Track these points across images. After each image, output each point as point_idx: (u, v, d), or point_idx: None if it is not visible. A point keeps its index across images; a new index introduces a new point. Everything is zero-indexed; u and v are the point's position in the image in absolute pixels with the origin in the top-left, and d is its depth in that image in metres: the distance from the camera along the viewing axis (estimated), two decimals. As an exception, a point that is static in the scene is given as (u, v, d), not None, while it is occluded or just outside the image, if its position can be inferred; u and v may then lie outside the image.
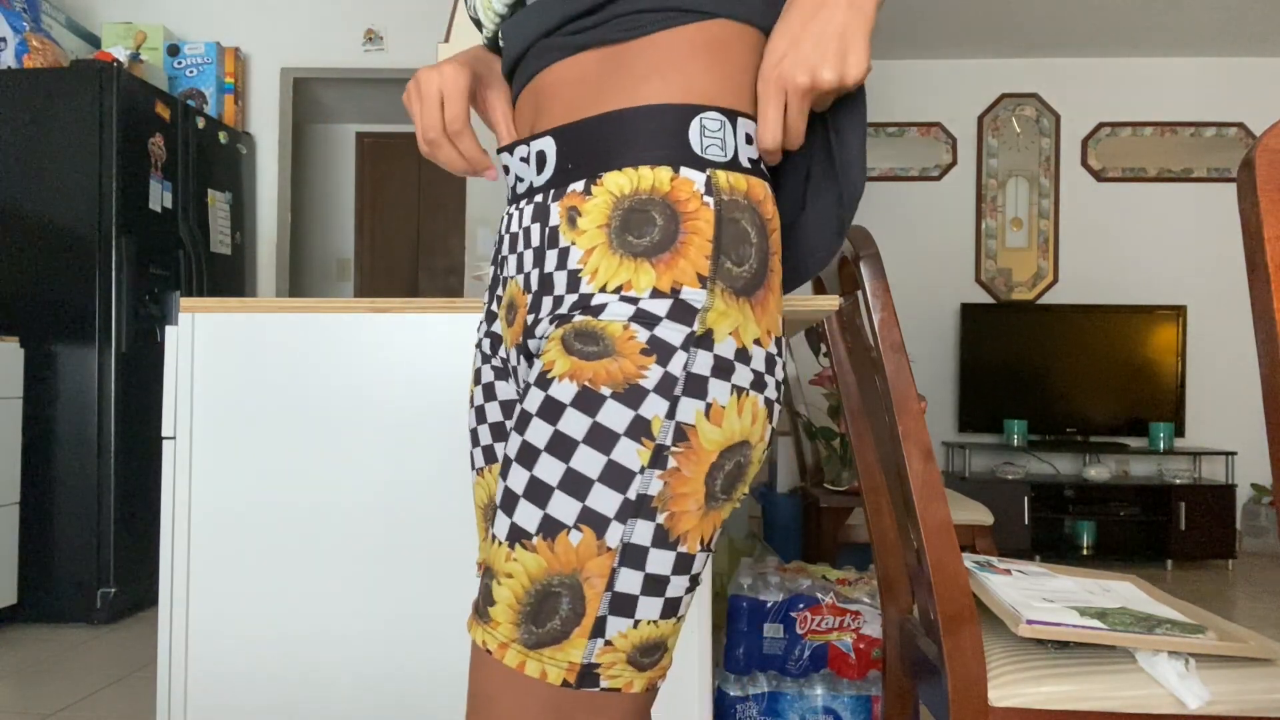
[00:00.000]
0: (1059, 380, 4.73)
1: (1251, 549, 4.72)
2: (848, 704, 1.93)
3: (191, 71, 4.15)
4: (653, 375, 0.67)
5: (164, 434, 1.62)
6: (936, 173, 5.05)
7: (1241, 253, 4.95)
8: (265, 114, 4.38)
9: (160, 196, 3.47)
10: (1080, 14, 4.45)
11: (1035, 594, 1.27)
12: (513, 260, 0.79)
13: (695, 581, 0.71)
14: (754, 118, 0.76)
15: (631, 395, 0.67)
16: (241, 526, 1.61)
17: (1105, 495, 4.58)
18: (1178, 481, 4.44)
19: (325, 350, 1.61)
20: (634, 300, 0.69)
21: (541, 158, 0.76)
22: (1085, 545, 4.46)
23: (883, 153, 5.06)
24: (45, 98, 3.21)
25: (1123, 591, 1.35)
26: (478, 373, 0.89)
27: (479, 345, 0.89)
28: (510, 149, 0.80)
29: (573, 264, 0.72)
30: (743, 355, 0.70)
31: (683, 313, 0.69)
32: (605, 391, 0.67)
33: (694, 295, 0.69)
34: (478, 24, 0.86)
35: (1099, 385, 4.71)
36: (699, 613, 1.57)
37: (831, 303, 1.45)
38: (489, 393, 0.87)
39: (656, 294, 0.69)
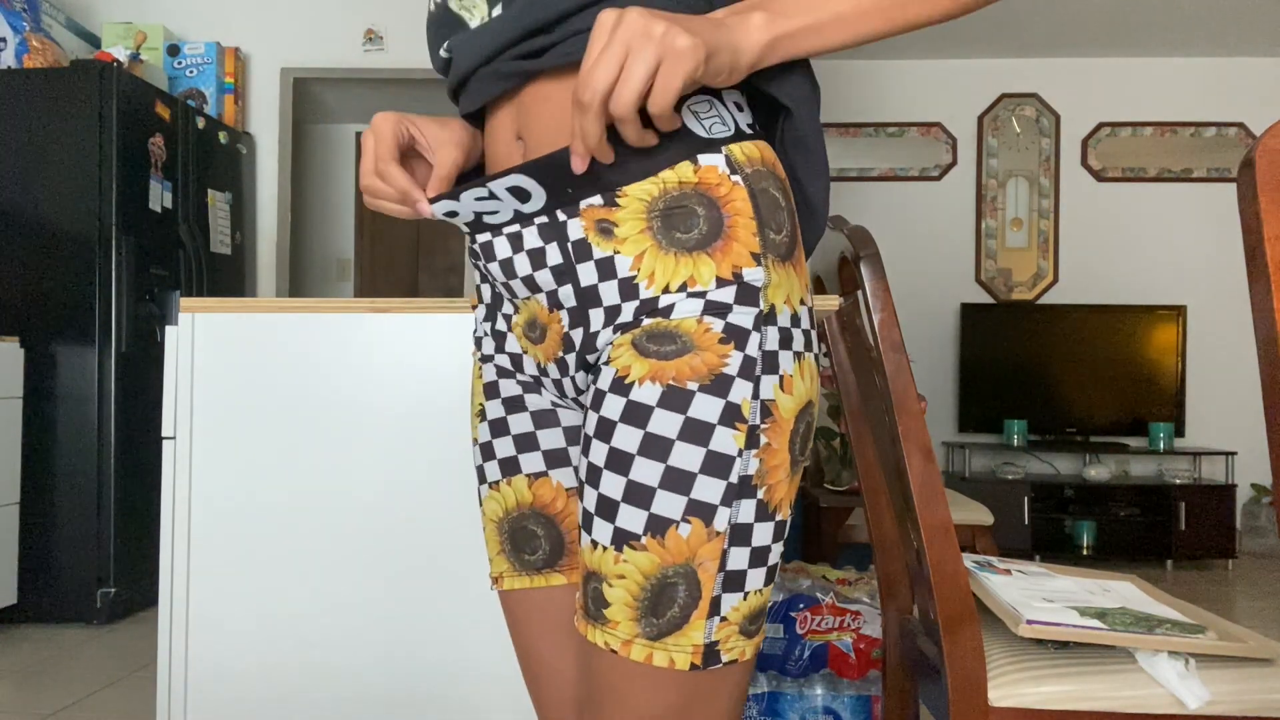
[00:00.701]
0: (1059, 380, 4.73)
1: (1251, 549, 4.72)
2: (848, 704, 1.93)
3: (191, 71, 4.15)
4: (734, 361, 0.70)
5: (164, 434, 1.62)
6: (936, 173, 5.05)
7: (1241, 253, 4.95)
8: (265, 114, 4.38)
9: (160, 196, 3.47)
10: (1080, 14, 4.45)
11: (1035, 594, 1.27)
12: (517, 285, 0.78)
13: (784, 545, 0.75)
14: (734, 86, 0.75)
15: (719, 385, 0.69)
16: (241, 526, 1.61)
17: (1105, 495, 4.58)
18: (1178, 481, 4.44)
19: (325, 350, 1.61)
20: (701, 294, 0.70)
21: (521, 192, 0.73)
22: (1085, 545, 4.46)
23: (883, 153, 5.06)
24: (45, 98, 3.21)
25: (1123, 591, 1.35)
26: (493, 385, 0.88)
27: (490, 359, 0.88)
28: (456, 195, 0.76)
29: (623, 272, 0.72)
30: (795, 320, 0.74)
31: (748, 295, 0.71)
32: (692, 386, 0.69)
33: (754, 275, 0.71)
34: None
35: (1099, 385, 4.71)
36: (699, 613, 1.57)
37: (831, 303, 1.45)
38: (514, 404, 0.87)
39: (721, 282, 0.70)
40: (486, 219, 0.77)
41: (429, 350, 1.61)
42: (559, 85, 0.74)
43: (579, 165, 0.68)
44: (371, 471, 1.61)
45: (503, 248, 0.77)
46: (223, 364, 1.62)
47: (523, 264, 0.76)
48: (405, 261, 5.93)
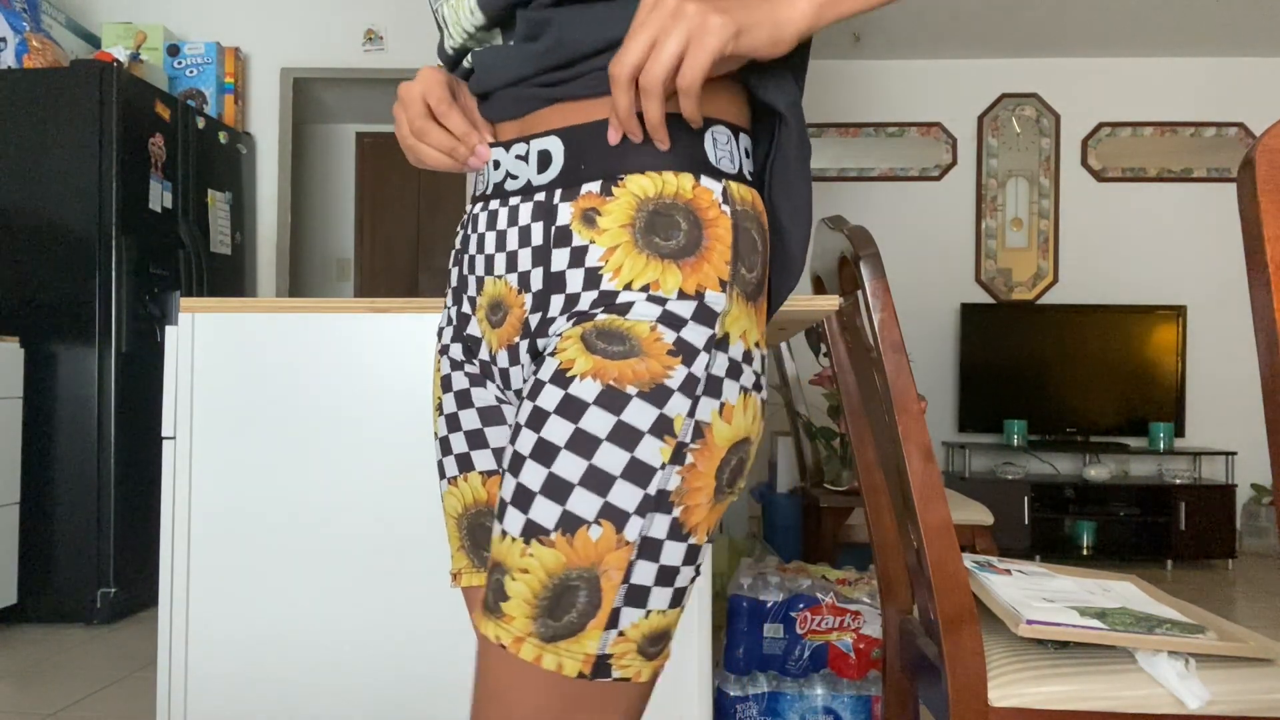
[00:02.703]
0: (1059, 380, 4.73)
1: (1251, 549, 4.72)
2: (848, 704, 1.93)
3: (191, 71, 4.15)
4: (678, 375, 0.70)
5: (164, 434, 1.62)
6: (936, 173, 5.05)
7: (1241, 253, 4.95)
8: (265, 114, 4.38)
9: (160, 196, 3.47)
10: (1080, 14, 4.45)
11: (1035, 594, 1.27)
12: (500, 259, 0.79)
13: (698, 571, 0.74)
14: (749, 132, 0.79)
15: (657, 395, 0.69)
16: (241, 526, 1.61)
17: (1105, 495, 4.58)
18: (1178, 481, 4.44)
19: (325, 350, 1.62)
20: (661, 301, 0.71)
21: (545, 156, 0.76)
22: (1085, 545, 4.46)
23: (883, 153, 5.06)
24: (45, 98, 3.21)
25: (1123, 591, 1.35)
26: (447, 379, 0.88)
27: (445, 351, 0.88)
28: (506, 145, 0.79)
29: (591, 261, 0.73)
30: (748, 357, 0.74)
31: (705, 316, 0.71)
32: (631, 391, 0.69)
33: (715, 299, 0.72)
34: (441, 28, 0.84)
35: (1099, 385, 4.71)
36: (699, 613, 1.57)
37: (831, 303, 1.45)
38: (463, 400, 0.87)
39: (683, 296, 0.71)
40: (507, 183, 0.79)
41: (429, 350, 1.61)
42: (571, 107, 0.76)
43: (614, 136, 0.72)
44: (372, 471, 1.61)
45: (503, 218, 0.79)
46: (223, 364, 1.62)
47: (513, 238, 0.77)
48: (405, 261, 5.93)
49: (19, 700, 2.40)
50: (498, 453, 0.86)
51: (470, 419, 0.87)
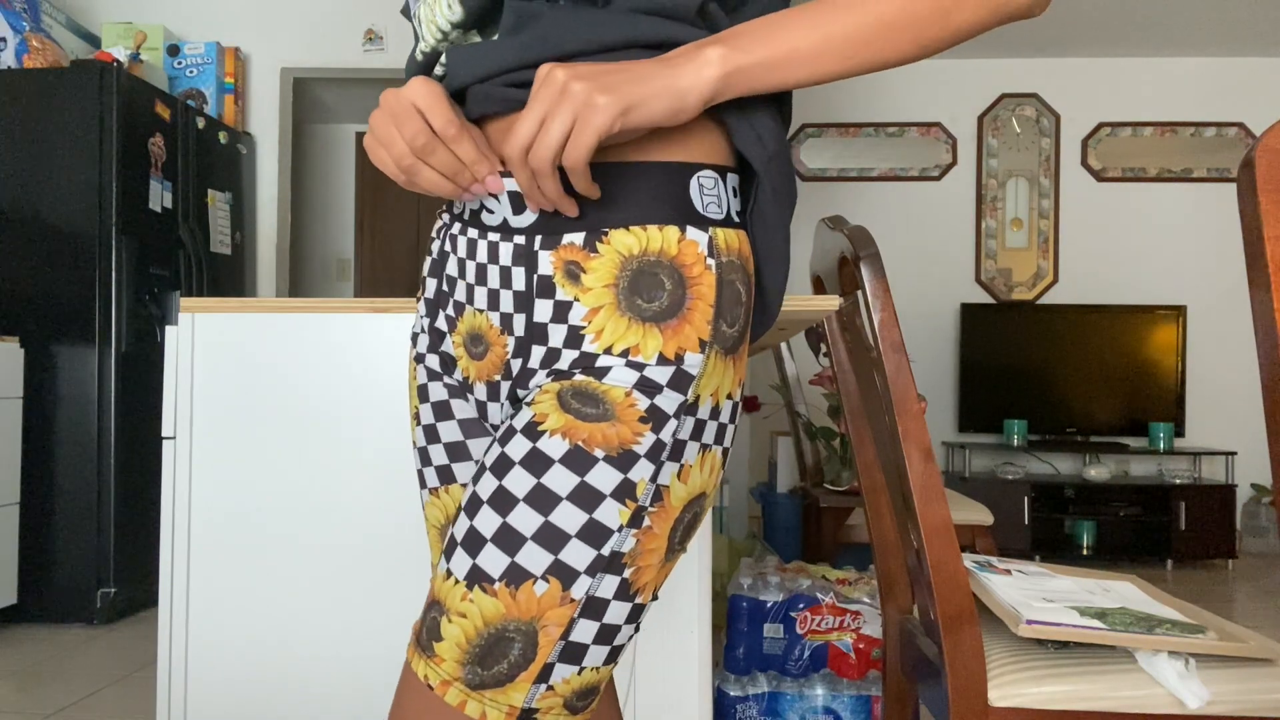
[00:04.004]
0: (1059, 380, 4.73)
1: (1251, 549, 4.72)
2: (848, 704, 1.93)
3: (191, 71, 4.15)
4: (646, 442, 0.70)
5: (164, 434, 1.62)
6: (936, 173, 5.05)
7: (1241, 253, 4.95)
8: (265, 114, 4.38)
9: (160, 196, 3.47)
10: (1080, 14, 4.45)
11: (1035, 594, 1.27)
12: (481, 293, 0.77)
13: (638, 629, 0.74)
14: (735, 170, 0.77)
15: (624, 460, 0.69)
16: (241, 527, 1.61)
17: (1105, 495, 4.58)
18: (1178, 481, 4.44)
19: (325, 350, 1.62)
20: (640, 366, 0.70)
21: (518, 199, 0.73)
22: (1085, 545, 4.46)
23: (883, 153, 5.06)
24: (45, 98, 3.21)
25: (1123, 591, 1.35)
26: (424, 389, 0.86)
27: (421, 360, 0.86)
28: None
29: (575, 319, 0.72)
30: (715, 413, 0.74)
31: (681, 381, 0.71)
32: (598, 454, 0.69)
33: (694, 361, 0.71)
34: (416, 33, 0.81)
35: (1099, 385, 4.71)
36: (699, 613, 1.57)
37: (831, 303, 1.45)
38: (442, 411, 0.85)
39: (662, 360, 0.70)
40: (484, 216, 0.76)
41: (429, 350, 1.61)
42: None
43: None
44: (371, 471, 1.61)
45: (482, 251, 0.76)
46: (223, 364, 1.62)
47: (494, 276, 0.76)
48: (405, 261, 5.93)
49: (19, 700, 2.40)
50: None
51: (450, 431, 0.85)
